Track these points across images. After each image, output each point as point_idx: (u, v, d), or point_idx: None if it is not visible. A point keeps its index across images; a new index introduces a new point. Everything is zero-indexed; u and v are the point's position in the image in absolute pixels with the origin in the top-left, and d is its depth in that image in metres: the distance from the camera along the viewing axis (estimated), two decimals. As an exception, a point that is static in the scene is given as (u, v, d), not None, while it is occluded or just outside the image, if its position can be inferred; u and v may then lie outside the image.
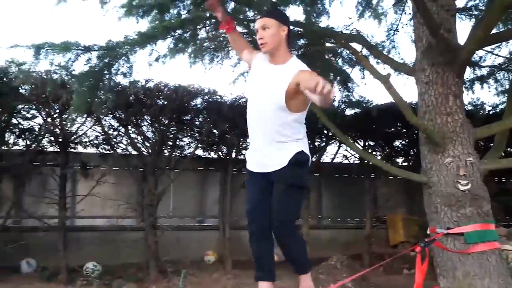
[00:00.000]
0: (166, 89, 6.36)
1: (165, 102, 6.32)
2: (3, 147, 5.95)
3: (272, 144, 2.60)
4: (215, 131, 7.01)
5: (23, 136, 6.14)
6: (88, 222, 7.12)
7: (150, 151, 6.46)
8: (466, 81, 6.33)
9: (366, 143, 7.78)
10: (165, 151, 6.76)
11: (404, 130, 7.48)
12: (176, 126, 6.69)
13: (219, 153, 7.31)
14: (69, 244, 6.09)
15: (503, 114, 4.45)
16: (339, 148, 7.85)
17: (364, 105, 6.97)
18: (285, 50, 2.61)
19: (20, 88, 5.62)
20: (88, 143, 6.43)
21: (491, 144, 4.55)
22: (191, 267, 6.33)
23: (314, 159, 6.75)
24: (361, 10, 5.50)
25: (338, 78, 5.88)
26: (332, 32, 4.97)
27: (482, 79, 6.46)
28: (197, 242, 7.30)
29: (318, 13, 5.13)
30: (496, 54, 6.08)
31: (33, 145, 6.16)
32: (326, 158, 7.99)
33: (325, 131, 7.24)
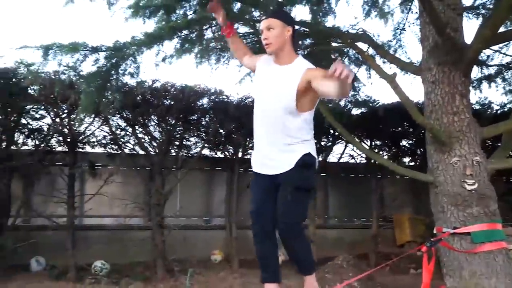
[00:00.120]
0: (172, 89, 6.39)
1: (172, 102, 6.36)
2: (12, 147, 6.02)
3: (279, 146, 2.58)
4: (221, 131, 7.04)
5: (32, 136, 6.22)
6: (96, 221, 7.18)
7: (157, 151, 6.50)
8: (474, 80, 6.31)
9: (373, 143, 7.77)
10: (172, 150, 6.80)
11: (411, 130, 7.46)
12: (182, 126, 6.73)
13: (226, 152, 7.34)
14: (78, 243, 6.15)
15: (511, 113, 4.43)
16: (345, 148, 7.85)
17: (371, 104, 6.96)
18: (290, 50, 2.61)
19: (29, 88, 5.68)
20: (96, 143, 6.49)
21: (499, 144, 4.53)
22: (198, 266, 6.37)
23: (320, 159, 6.74)
24: (367, 9, 5.50)
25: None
26: (338, 32, 4.97)
27: (489, 78, 6.43)
28: (204, 241, 7.33)
29: (325, 12, 5.14)
30: (504, 53, 6.05)
31: (42, 145, 6.22)
32: (332, 158, 8.01)
33: (332, 131, 7.24)
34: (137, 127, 6.45)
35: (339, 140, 7.59)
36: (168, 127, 6.51)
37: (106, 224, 7.06)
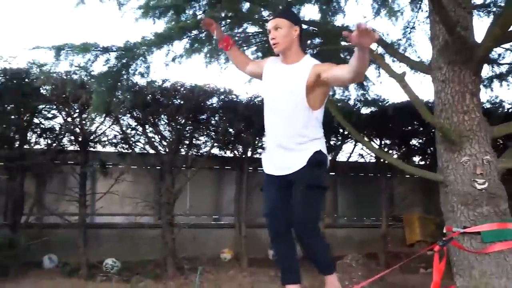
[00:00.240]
0: (182, 89, 6.43)
1: (182, 102, 6.40)
2: (25, 146, 6.11)
3: (290, 145, 2.59)
4: (231, 130, 7.07)
5: (44, 135, 6.30)
6: (107, 220, 7.27)
7: (167, 150, 6.55)
8: (484, 79, 6.24)
9: (382, 142, 7.73)
10: (182, 150, 6.84)
11: (421, 129, 7.41)
12: (192, 125, 6.76)
13: (235, 152, 7.36)
14: (89, 241, 6.21)
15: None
16: (355, 147, 7.83)
17: (380, 103, 6.93)
18: (298, 50, 2.64)
19: (41, 88, 5.76)
20: (107, 142, 6.55)
21: (510, 142, 4.50)
22: (208, 264, 6.40)
23: (330, 158, 6.74)
24: (377, 8, 5.48)
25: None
26: (347, 31, 4.96)
27: (501, 77, 6.35)
28: (214, 240, 7.37)
29: (334, 11, 5.13)
30: (515, 51, 5.98)
31: (54, 144, 6.30)
32: (342, 157, 7.98)
33: (341, 130, 7.23)
34: (147, 127, 6.50)
35: (349, 139, 7.57)
36: (178, 127, 6.55)
37: (117, 222, 7.12)
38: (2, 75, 5.81)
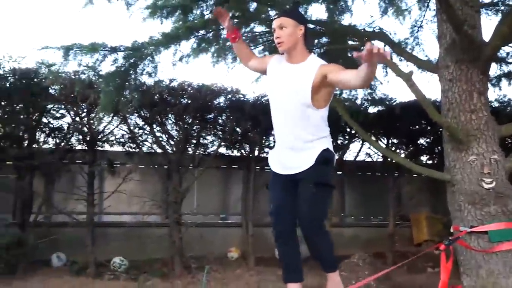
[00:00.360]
0: (189, 89, 6.45)
1: (189, 101, 6.42)
2: (34, 146, 6.16)
3: (297, 144, 2.60)
4: (238, 129, 7.08)
5: (52, 135, 6.35)
6: (115, 218, 7.31)
7: (174, 149, 6.57)
8: (493, 78, 6.21)
9: (389, 141, 7.71)
10: (189, 149, 6.86)
11: (428, 128, 7.38)
12: (199, 125, 6.79)
13: (242, 151, 7.37)
14: (97, 239, 6.26)
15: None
16: (362, 146, 7.81)
17: (387, 102, 6.91)
18: (302, 49, 2.63)
19: (50, 88, 5.82)
20: (114, 142, 6.59)
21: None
22: (215, 263, 6.41)
23: (337, 157, 6.73)
24: (384, 7, 5.47)
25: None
26: (354, 30, 4.96)
27: (509, 75, 6.31)
28: (221, 239, 7.39)
29: (341, 11, 5.13)
30: (524, 50, 5.94)
31: (62, 144, 6.35)
32: (349, 156, 7.97)
33: (348, 129, 7.21)
34: (154, 126, 6.53)
35: (356, 139, 7.55)
36: (185, 126, 6.58)
37: (125, 221, 7.15)
38: (11, 75, 5.88)
